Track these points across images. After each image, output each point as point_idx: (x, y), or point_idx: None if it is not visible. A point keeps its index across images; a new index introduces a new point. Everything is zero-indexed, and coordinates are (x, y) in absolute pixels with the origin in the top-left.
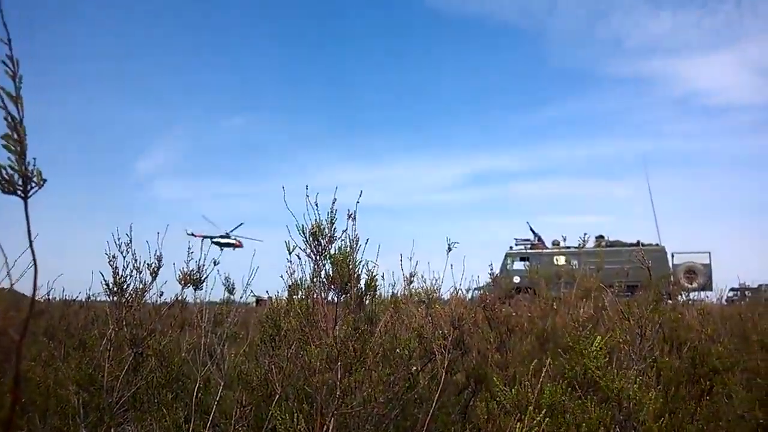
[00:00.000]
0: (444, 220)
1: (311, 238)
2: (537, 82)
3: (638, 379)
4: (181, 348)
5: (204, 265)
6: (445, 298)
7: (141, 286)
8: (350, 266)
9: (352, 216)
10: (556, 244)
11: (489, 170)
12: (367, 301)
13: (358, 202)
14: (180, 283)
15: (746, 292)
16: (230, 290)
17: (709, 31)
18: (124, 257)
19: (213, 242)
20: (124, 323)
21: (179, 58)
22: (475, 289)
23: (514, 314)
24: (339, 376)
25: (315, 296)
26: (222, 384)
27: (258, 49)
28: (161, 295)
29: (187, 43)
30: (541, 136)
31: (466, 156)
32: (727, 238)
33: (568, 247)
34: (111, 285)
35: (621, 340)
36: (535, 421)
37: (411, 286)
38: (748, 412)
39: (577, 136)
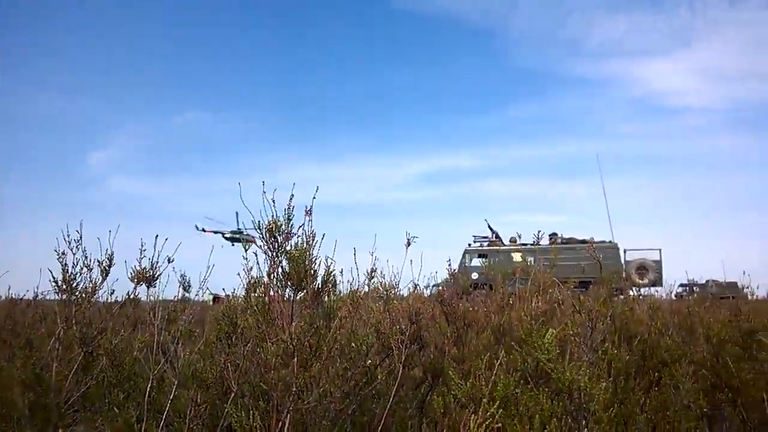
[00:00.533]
0: (404, 217)
1: (268, 235)
2: (498, 81)
3: (589, 371)
4: (134, 347)
5: (158, 263)
6: (404, 294)
7: (91, 284)
8: (307, 262)
9: (309, 212)
10: (513, 241)
11: (449, 169)
12: (325, 297)
13: (314, 198)
14: (132, 281)
15: (694, 288)
16: (186, 288)
17: (665, 35)
18: (74, 254)
19: (225, 238)
20: (73, 322)
21: (132, 52)
22: (433, 285)
23: (471, 309)
24: (295, 372)
25: (271, 293)
26: (176, 382)
27: (216, 44)
28: (113, 293)
29: (140, 35)
30: (501, 136)
31: (427, 154)
32: (676, 236)
33: (525, 245)
34: (60, 283)
35: (573, 333)
36: (488, 414)
37: (370, 282)
38: (694, 401)
39: (536, 136)
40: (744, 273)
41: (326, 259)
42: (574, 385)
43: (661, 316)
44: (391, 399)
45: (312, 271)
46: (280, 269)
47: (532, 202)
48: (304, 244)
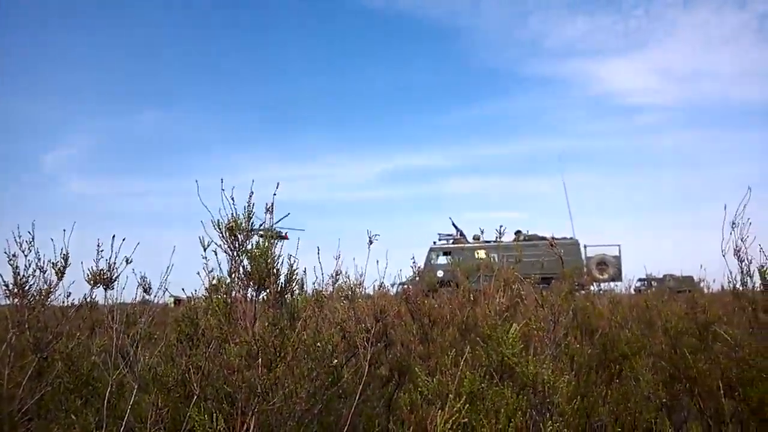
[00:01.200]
0: (369, 216)
1: (228, 233)
2: (461, 80)
3: (552, 365)
4: (92, 351)
5: (115, 264)
6: (370, 292)
7: (45, 286)
8: (269, 261)
9: (270, 210)
10: (476, 238)
11: (413, 167)
12: (289, 297)
13: (275, 194)
14: (89, 282)
15: (652, 282)
16: (146, 290)
17: (622, 35)
18: (26, 256)
19: (259, 235)
20: (26, 326)
21: (87, 50)
22: (400, 283)
23: (436, 306)
24: (259, 373)
25: (233, 293)
26: (136, 387)
27: (176, 42)
28: (69, 295)
29: (95, 32)
30: (464, 134)
31: (390, 153)
32: (635, 232)
33: (488, 242)
34: (11, 286)
35: (536, 327)
36: (455, 409)
37: (335, 281)
38: (654, 393)
39: (498, 134)
40: (700, 267)
41: (289, 258)
42: (538, 379)
43: (621, 310)
44: (357, 398)
45: (274, 270)
46: (241, 269)
47: (495, 199)
48: (266, 243)
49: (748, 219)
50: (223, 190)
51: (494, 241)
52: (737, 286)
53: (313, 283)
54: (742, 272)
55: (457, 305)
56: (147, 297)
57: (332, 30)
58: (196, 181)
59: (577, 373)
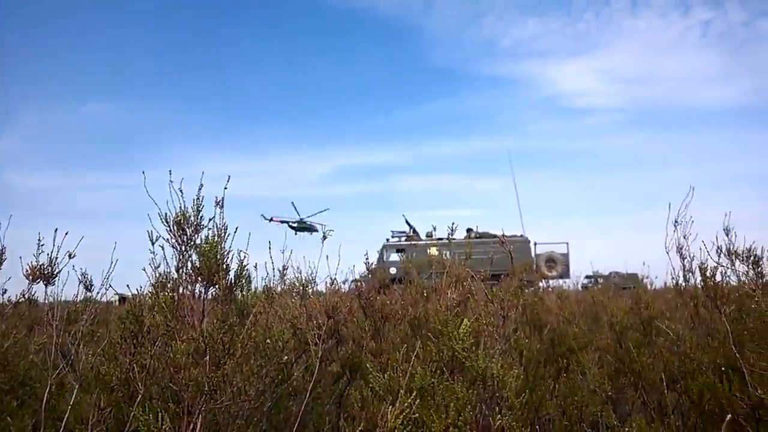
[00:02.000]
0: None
1: (176, 227)
2: (415, 78)
3: (502, 359)
4: (29, 350)
5: (57, 258)
6: (321, 289)
7: None
8: (218, 256)
9: (220, 203)
10: (429, 236)
11: (366, 164)
12: (238, 293)
13: (225, 188)
14: (28, 278)
15: (599, 279)
16: (88, 286)
17: (571, 38)
18: None
19: (291, 227)
20: None
21: (28, 39)
22: (352, 280)
23: (388, 303)
24: (207, 371)
25: (181, 289)
26: (77, 386)
27: (125, 32)
28: (5, 292)
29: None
30: (418, 132)
31: (344, 149)
32: (583, 230)
33: (441, 239)
34: None
35: (486, 322)
36: (405, 405)
37: (286, 277)
38: (599, 386)
39: (452, 133)
40: (644, 264)
41: (239, 253)
42: (488, 373)
43: (568, 306)
44: (307, 395)
45: (224, 266)
46: (189, 264)
47: (448, 197)
48: (215, 238)
49: (691, 217)
50: (171, 182)
51: (446, 239)
52: (679, 282)
53: (264, 278)
54: (684, 269)
55: (409, 301)
56: (89, 294)
57: (284, 25)
58: (143, 173)
59: (526, 368)
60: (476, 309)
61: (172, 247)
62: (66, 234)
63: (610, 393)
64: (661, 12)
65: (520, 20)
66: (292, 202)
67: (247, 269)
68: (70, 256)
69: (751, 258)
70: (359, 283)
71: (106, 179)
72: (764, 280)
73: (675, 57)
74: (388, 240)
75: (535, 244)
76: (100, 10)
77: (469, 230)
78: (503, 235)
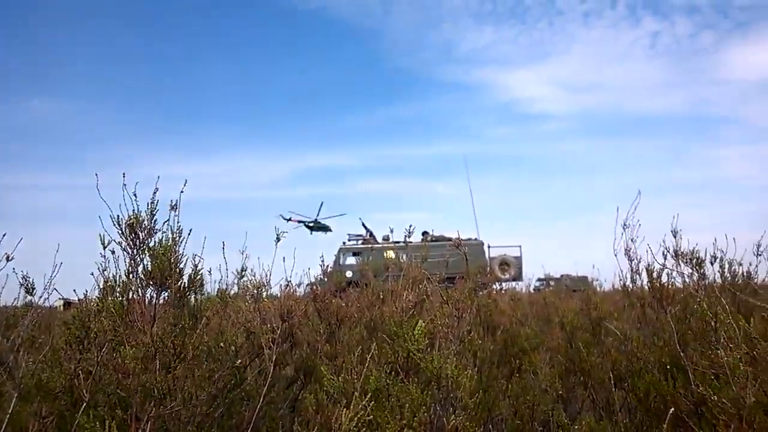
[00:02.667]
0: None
1: (128, 230)
2: (373, 81)
3: (456, 360)
4: None
5: None
6: (276, 292)
7: None
8: (172, 260)
9: (175, 207)
10: (386, 239)
11: (323, 167)
12: (192, 297)
13: (182, 192)
14: None
15: (550, 282)
16: (29, 290)
17: (526, 46)
18: None
19: (307, 227)
20: None
21: None
22: (308, 284)
23: (344, 306)
24: (156, 376)
25: (131, 293)
26: (16, 395)
27: (75, 28)
28: None
29: None
30: (375, 136)
31: (301, 152)
32: (536, 234)
33: (397, 242)
34: None
35: (441, 323)
36: (360, 407)
37: (241, 280)
38: (550, 386)
39: (409, 137)
40: (593, 267)
41: (194, 257)
42: (442, 374)
43: (521, 307)
44: (260, 400)
45: (177, 270)
46: (141, 267)
47: (405, 200)
48: (169, 241)
49: (638, 221)
50: (124, 185)
51: (403, 242)
52: (627, 284)
53: (217, 281)
54: (631, 271)
55: (364, 304)
56: (30, 298)
57: (242, 24)
58: (96, 174)
59: (480, 368)
60: (431, 311)
61: (124, 250)
62: (4, 235)
63: (560, 392)
64: (612, 23)
65: (476, 27)
66: (321, 202)
67: (201, 273)
68: (7, 259)
69: (695, 260)
70: (314, 287)
71: (46, 179)
72: (707, 281)
73: (624, 66)
74: (344, 243)
75: (489, 247)
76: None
77: (425, 233)
78: (458, 238)
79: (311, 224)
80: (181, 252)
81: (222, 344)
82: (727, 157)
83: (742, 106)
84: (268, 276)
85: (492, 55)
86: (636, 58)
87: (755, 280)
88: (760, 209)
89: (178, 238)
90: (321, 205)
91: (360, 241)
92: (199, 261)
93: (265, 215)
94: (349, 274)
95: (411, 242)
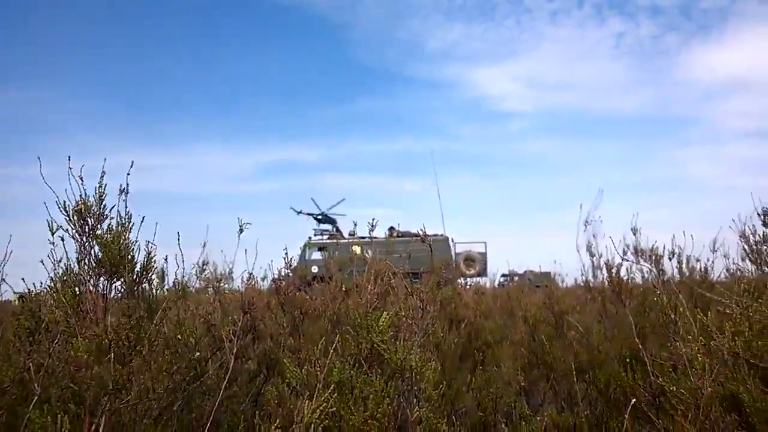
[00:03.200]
0: (243, 209)
1: (76, 217)
2: (340, 75)
3: (420, 352)
4: None
5: None
6: (238, 285)
7: None
8: (122, 248)
9: (125, 191)
10: (352, 234)
11: (289, 161)
12: (146, 286)
13: (128, 174)
14: None
15: (514, 277)
16: None
17: (494, 44)
18: None
19: (315, 218)
20: None
21: None
22: (272, 279)
23: (308, 299)
24: (111, 369)
25: (82, 282)
26: None
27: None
28: None
29: None
30: (343, 130)
31: (266, 145)
32: (501, 230)
33: (363, 237)
34: None
35: (405, 315)
36: (322, 399)
37: (203, 273)
38: (513, 378)
39: (377, 132)
40: (555, 262)
41: (147, 245)
42: (406, 365)
43: (485, 301)
44: (221, 393)
45: (129, 258)
46: (92, 256)
47: (372, 196)
48: (120, 228)
49: (600, 218)
50: (70, 168)
51: (368, 237)
52: (588, 278)
53: (176, 272)
54: (593, 266)
55: (329, 297)
56: None
57: (206, 15)
58: (39, 158)
59: (444, 361)
60: (396, 304)
61: (72, 238)
62: None
63: (523, 384)
64: (579, 22)
65: (445, 24)
66: (312, 198)
67: (155, 262)
68: None
69: (654, 256)
70: (278, 280)
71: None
72: (665, 277)
73: (590, 66)
74: (310, 238)
75: (455, 243)
76: None
77: (391, 229)
78: (425, 234)
79: (319, 216)
80: (132, 240)
81: (180, 336)
82: (690, 157)
83: (705, 106)
84: (230, 268)
85: (460, 51)
86: (601, 57)
87: (711, 276)
88: (720, 208)
89: (128, 224)
90: (313, 200)
91: (326, 237)
92: (153, 249)
93: (228, 209)
94: (314, 269)
95: (377, 238)
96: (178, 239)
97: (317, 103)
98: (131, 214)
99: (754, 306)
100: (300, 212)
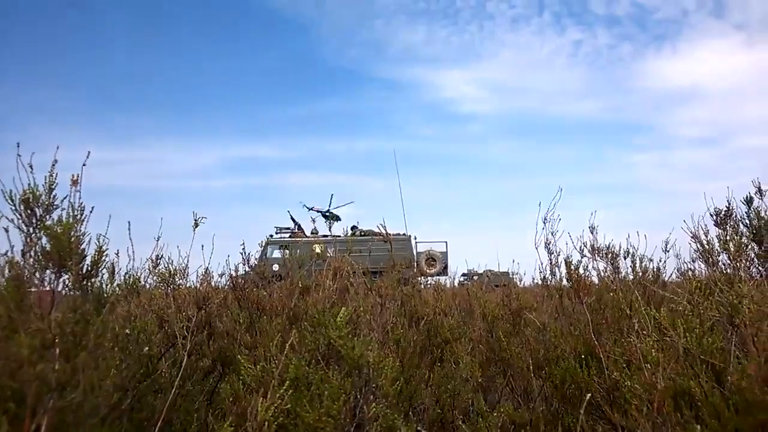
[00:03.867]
0: (202, 206)
1: (23, 206)
2: (304, 74)
3: (378, 347)
4: None
5: None
6: (193, 281)
7: None
8: (73, 240)
9: (76, 181)
10: (314, 233)
11: (250, 158)
12: (96, 281)
13: (84, 165)
14: None
15: (474, 276)
16: None
17: (457, 47)
18: None
19: (323, 215)
20: None
21: None
22: (229, 275)
23: (266, 295)
24: (55, 366)
25: (27, 275)
26: None
27: None
28: None
29: None
30: (304, 129)
31: (227, 142)
32: (461, 230)
33: (326, 236)
34: None
35: (363, 310)
36: (277, 396)
37: (156, 268)
38: (471, 375)
39: (340, 132)
40: (513, 261)
41: (99, 238)
42: (363, 361)
43: (444, 298)
44: (173, 391)
45: (79, 250)
46: (38, 248)
47: (336, 195)
48: (70, 219)
49: (558, 215)
50: (19, 155)
51: (330, 236)
52: (546, 276)
53: (127, 266)
54: (551, 263)
55: (287, 294)
56: None
57: (167, 10)
58: None
59: (403, 358)
60: (355, 299)
61: (18, 228)
62: None
63: (481, 381)
64: (538, 29)
65: (408, 26)
66: (332, 194)
67: (106, 255)
68: None
69: (609, 255)
70: (234, 277)
71: None
72: (621, 275)
73: (548, 72)
74: (271, 236)
75: (417, 242)
76: None
77: (353, 228)
78: (386, 232)
79: (327, 213)
80: (82, 231)
81: (129, 331)
82: (640, 162)
83: (655, 114)
84: (186, 263)
85: (423, 53)
86: (559, 64)
87: (664, 275)
88: (669, 212)
89: (80, 216)
90: (332, 196)
91: (287, 235)
92: (105, 242)
93: (187, 205)
94: (275, 267)
95: (338, 237)
96: (129, 230)
97: (280, 102)
98: (84, 206)
99: (705, 303)
100: (311, 209)
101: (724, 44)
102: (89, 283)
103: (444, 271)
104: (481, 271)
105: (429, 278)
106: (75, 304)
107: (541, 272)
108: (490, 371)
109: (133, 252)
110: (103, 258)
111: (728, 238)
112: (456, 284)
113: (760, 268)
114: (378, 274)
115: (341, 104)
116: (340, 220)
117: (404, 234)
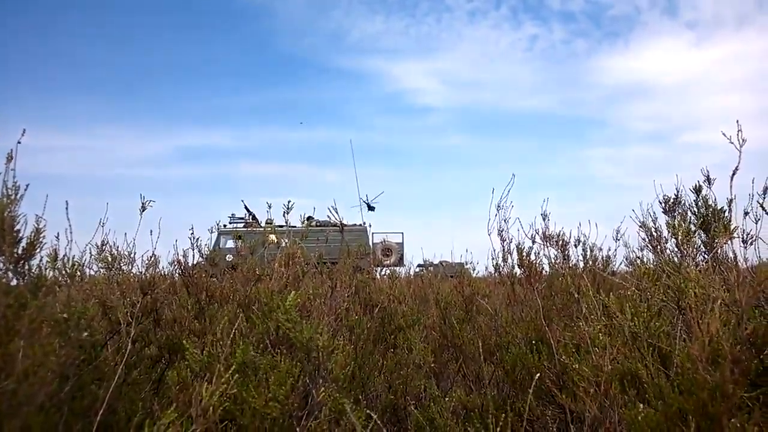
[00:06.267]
0: (153, 195)
1: None
2: (262, 64)
3: (328, 331)
4: None
5: None
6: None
7: None
8: (5, 221)
9: (11, 157)
10: (269, 222)
11: (203, 147)
12: (33, 264)
13: (19, 142)
14: None
15: (429, 267)
16: None
17: (414, 39)
18: None
19: (368, 206)
20: None
21: None
22: (176, 260)
23: (216, 282)
24: None
25: None
26: None
27: None
28: None
29: None
30: (261, 118)
31: (180, 130)
32: (417, 222)
33: (281, 226)
34: None
35: (314, 294)
36: (222, 381)
37: (101, 254)
38: (424, 361)
39: (295, 122)
40: (466, 251)
41: (36, 220)
42: (312, 344)
43: (399, 285)
44: (116, 379)
45: (13, 232)
46: None
47: (288, 184)
48: (4, 199)
49: (511, 203)
50: None
51: (286, 226)
52: (499, 262)
53: (65, 249)
54: (503, 250)
55: (239, 281)
56: None
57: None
58: None
59: (356, 345)
60: (308, 285)
61: None
62: None
63: (433, 367)
64: (495, 23)
65: (366, 17)
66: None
67: (44, 237)
68: None
69: (560, 242)
70: (183, 261)
71: None
72: (571, 263)
73: (504, 66)
74: (225, 226)
75: (373, 233)
76: None
77: (309, 218)
78: (343, 224)
79: (366, 203)
80: (18, 213)
81: (66, 315)
82: (592, 157)
83: (607, 109)
84: (132, 248)
85: (381, 44)
86: (515, 58)
87: (614, 264)
88: (621, 206)
89: (14, 196)
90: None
91: (243, 224)
92: (42, 224)
93: (137, 193)
94: (229, 257)
95: (294, 227)
96: (66, 209)
97: (235, 90)
98: (19, 186)
99: (652, 289)
100: (363, 201)
101: (675, 42)
102: (26, 266)
103: (400, 261)
104: (436, 262)
105: (385, 268)
106: (8, 287)
107: (493, 259)
108: (443, 358)
109: (72, 233)
110: (41, 239)
111: (676, 224)
112: (412, 274)
113: (706, 256)
114: (334, 264)
115: (298, 94)
116: (374, 209)
117: (360, 224)
